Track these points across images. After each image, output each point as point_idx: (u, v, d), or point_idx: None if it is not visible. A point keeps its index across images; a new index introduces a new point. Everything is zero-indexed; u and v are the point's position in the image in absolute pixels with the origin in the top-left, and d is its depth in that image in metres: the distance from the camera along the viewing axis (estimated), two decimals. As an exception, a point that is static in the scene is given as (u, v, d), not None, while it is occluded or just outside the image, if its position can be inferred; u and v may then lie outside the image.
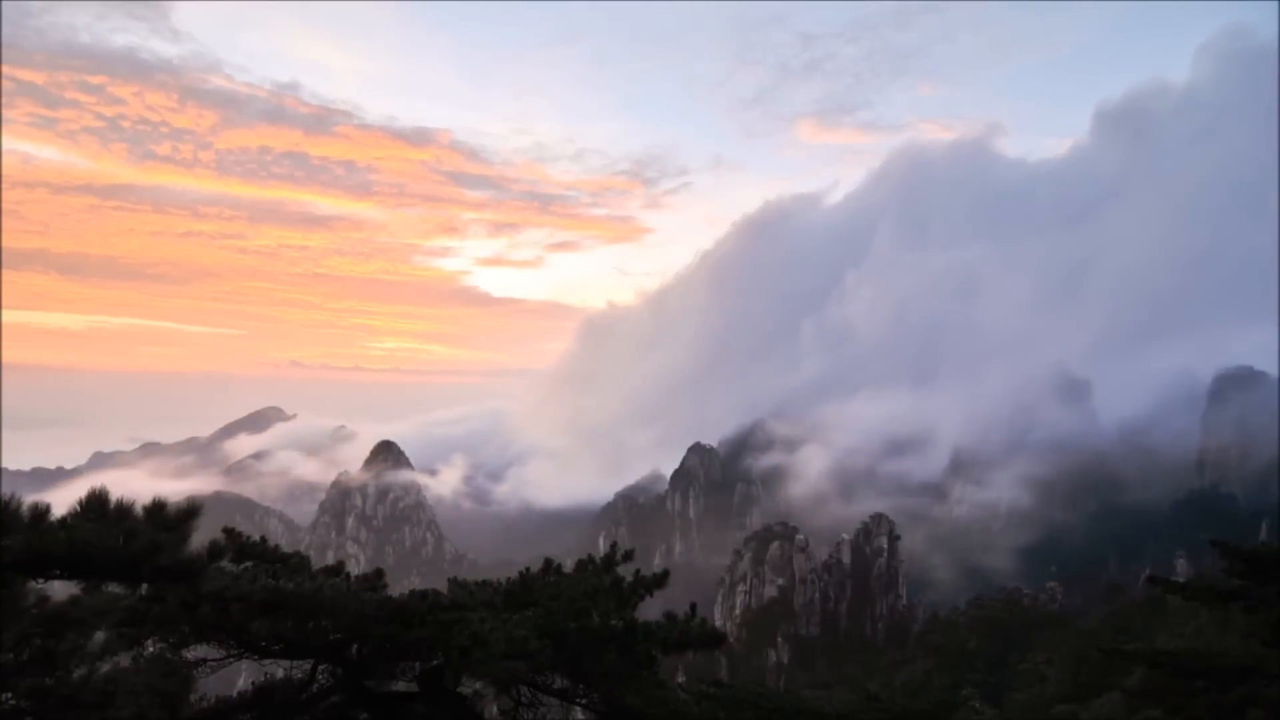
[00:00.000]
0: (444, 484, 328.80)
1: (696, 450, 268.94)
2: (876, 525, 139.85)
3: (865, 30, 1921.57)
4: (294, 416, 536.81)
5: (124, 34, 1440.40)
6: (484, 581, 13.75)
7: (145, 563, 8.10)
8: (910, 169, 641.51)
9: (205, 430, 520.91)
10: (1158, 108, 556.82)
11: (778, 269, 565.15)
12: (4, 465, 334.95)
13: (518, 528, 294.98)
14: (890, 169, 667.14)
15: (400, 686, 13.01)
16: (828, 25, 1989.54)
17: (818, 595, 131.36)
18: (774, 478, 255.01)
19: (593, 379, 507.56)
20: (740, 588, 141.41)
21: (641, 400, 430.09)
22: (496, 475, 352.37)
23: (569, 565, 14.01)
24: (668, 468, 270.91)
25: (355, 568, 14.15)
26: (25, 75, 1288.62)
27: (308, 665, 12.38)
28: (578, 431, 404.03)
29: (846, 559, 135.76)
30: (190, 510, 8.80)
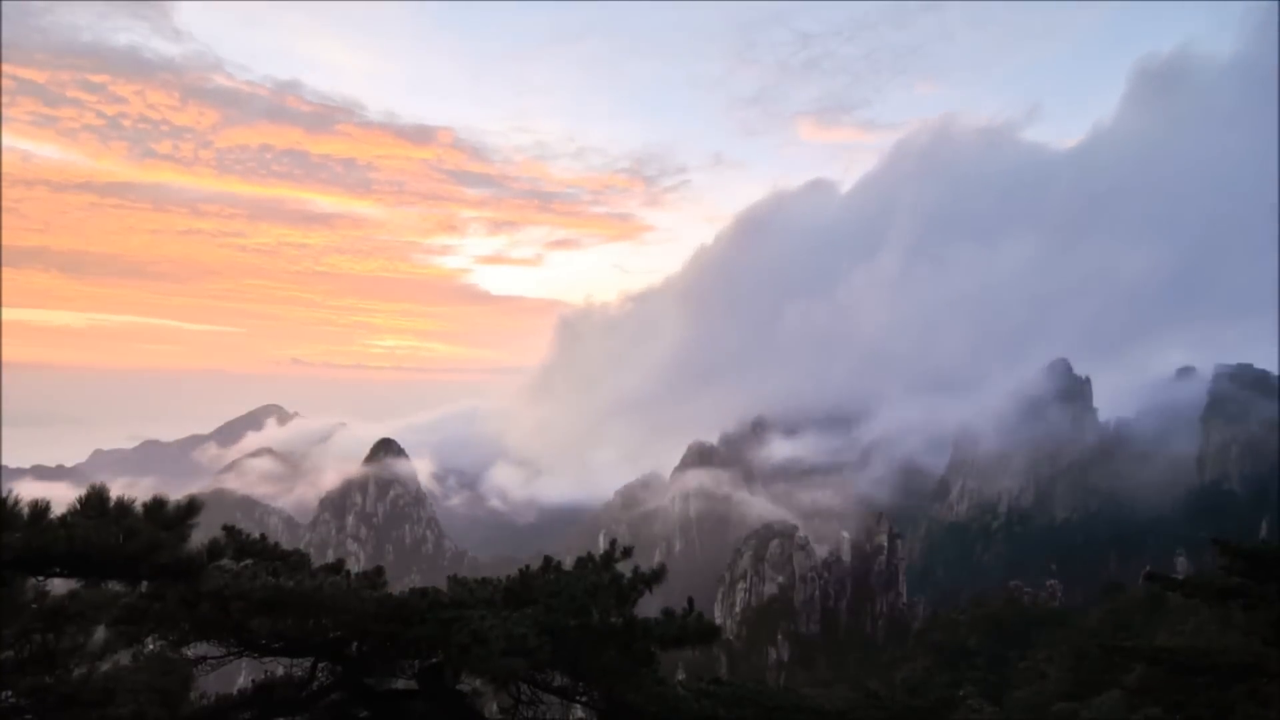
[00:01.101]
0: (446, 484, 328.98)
1: (696, 448, 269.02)
2: (876, 523, 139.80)
3: (864, 29, 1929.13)
4: (295, 414, 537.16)
5: (126, 33, 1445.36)
6: (484, 579, 13.74)
7: (145, 561, 8.09)
8: (916, 158, 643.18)
9: (205, 428, 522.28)
10: (1194, 73, 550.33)
11: (779, 260, 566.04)
12: (4, 463, 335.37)
13: (518, 525, 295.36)
14: (895, 159, 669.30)
15: (400, 684, 13.02)
16: (826, 24, 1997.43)
17: (818, 593, 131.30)
18: (774, 474, 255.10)
19: (572, 378, 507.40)
20: (740, 585, 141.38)
21: (635, 396, 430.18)
22: (478, 474, 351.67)
23: (569, 563, 14.00)
24: (666, 465, 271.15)
25: (355, 565, 14.14)
26: (27, 74, 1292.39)
27: (308, 663, 12.38)
28: (556, 431, 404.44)
29: (846, 557, 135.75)
30: (189, 508, 8.80)
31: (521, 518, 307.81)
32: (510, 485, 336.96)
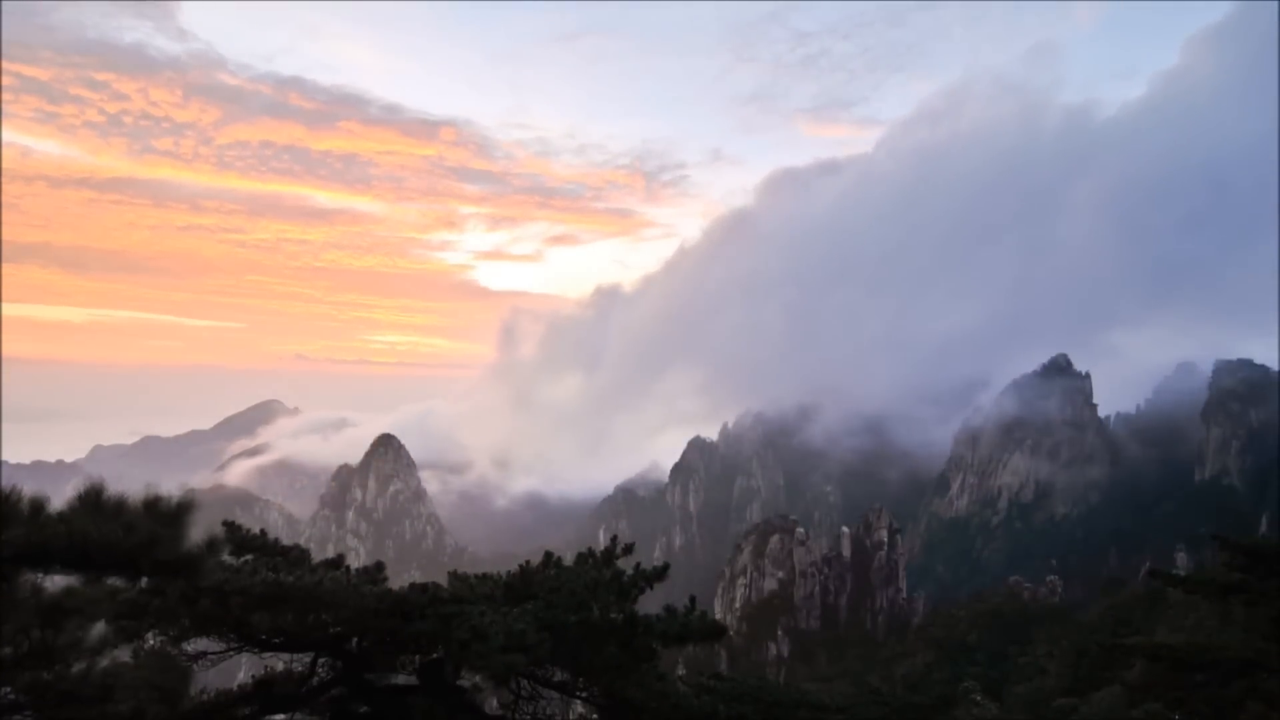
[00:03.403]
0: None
1: (696, 444, 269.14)
2: (877, 518, 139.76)
3: (859, 27, 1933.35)
4: (294, 410, 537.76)
5: (131, 32, 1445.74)
6: (484, 575, 13.74)
7: (144, 556, 8.06)
8: (905, 148, 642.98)
9: (205, 423, 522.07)
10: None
11: (776, 250, 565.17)
12: (4, 458, 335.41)
13: (518, 521, 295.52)
14: (886, 150, 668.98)
15: (401, 679, 13.01)
16: (822, 23, 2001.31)
17: (818, 588, 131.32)
18: (775, 468, 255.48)
19: (566, 370, 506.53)
20: (740, 581, 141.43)
21: (633, 393, 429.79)
22: (475, 469, 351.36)
23: (569, 558, 13.99)
24: (666, 460, 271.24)
25: (355, 561, 14.12)
26: (31, 72, 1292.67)
27: (308, 658, 12.37)
28: (554, 425, 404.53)
29: (846, 552, 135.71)
30: (188, 503, 8.76)
31: (522, 513, 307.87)
32: (510, 480, 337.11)
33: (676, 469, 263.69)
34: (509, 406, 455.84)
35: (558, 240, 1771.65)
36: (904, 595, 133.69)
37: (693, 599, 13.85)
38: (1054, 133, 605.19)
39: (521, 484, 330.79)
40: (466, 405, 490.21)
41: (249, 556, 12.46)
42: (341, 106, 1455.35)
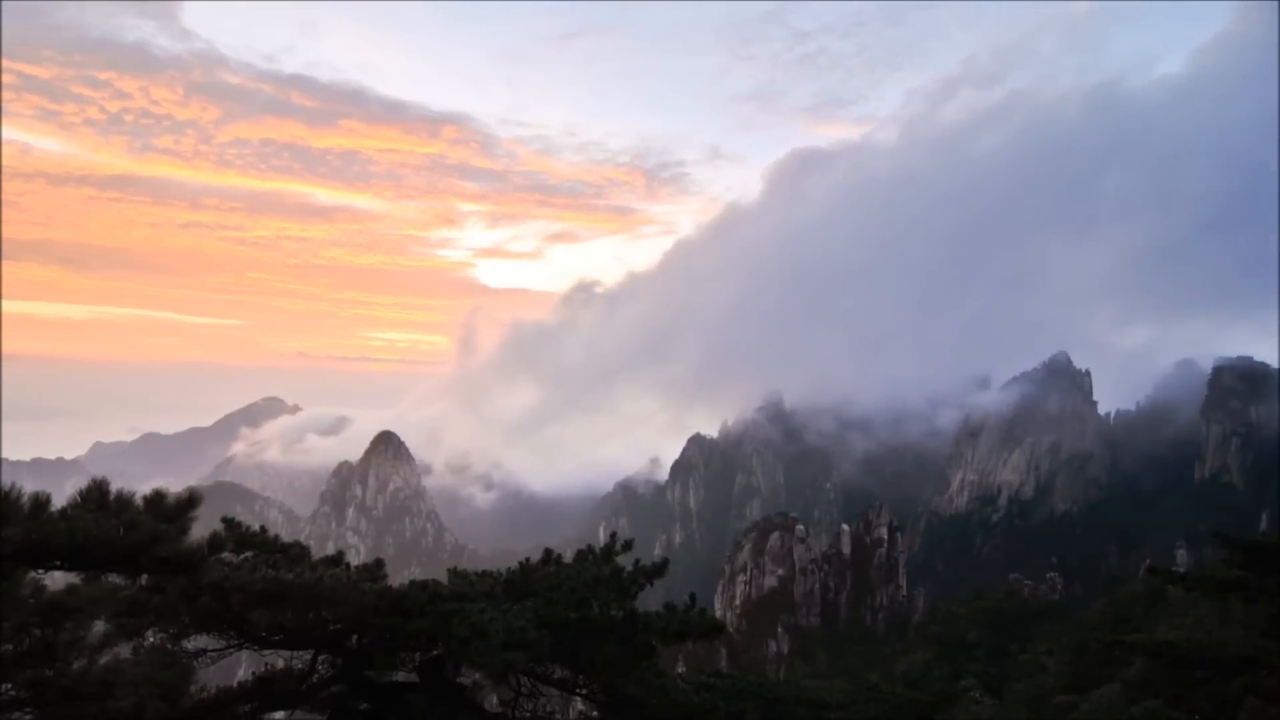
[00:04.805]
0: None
1: (696, 441, 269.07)
2: (877, 516, 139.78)
3: (857, 26, 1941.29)
4: (295, 407, 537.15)
5: (134, 31, 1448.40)
6: (484, 572, 13.75)
7: (145, 554, 8.08)
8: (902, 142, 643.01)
9: (206, 421, 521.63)
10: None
11: (775, 241, 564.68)
12: (4, 456, 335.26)
13: (517, 518, 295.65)
14: (880, 142, 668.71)
15: (400, 677, 13.02)
16: (820, 22, 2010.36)
17: (818, 585, 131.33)
18: (775, 466, 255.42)
19: (571, 365, 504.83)
20: (740, 578, 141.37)
21: (634, 389, 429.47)
22: (474, 466, 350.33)
23: (569, 555, 13.99)
24: (666, 457, 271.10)
25: (355, 558, 14.12)
26: (33, 70, 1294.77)
27: (308, 655, 12.38)
28: (552, 423, 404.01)
29: (847, 549, 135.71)
30: (190, 501, 8.79)
31: (522, 511, 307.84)
32: (511, 478, 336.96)
33: (676, 466, 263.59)
34: (502, 403, 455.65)
35: (558, 238, 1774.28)
36: (904, 592, 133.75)
37: (693, 596, 13.87)
38: (1056, 131, 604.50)
39: (523, 482, 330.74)
40: (460, 403, 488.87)
41: (249, 553, 12.46)
42: (343, 104, 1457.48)
